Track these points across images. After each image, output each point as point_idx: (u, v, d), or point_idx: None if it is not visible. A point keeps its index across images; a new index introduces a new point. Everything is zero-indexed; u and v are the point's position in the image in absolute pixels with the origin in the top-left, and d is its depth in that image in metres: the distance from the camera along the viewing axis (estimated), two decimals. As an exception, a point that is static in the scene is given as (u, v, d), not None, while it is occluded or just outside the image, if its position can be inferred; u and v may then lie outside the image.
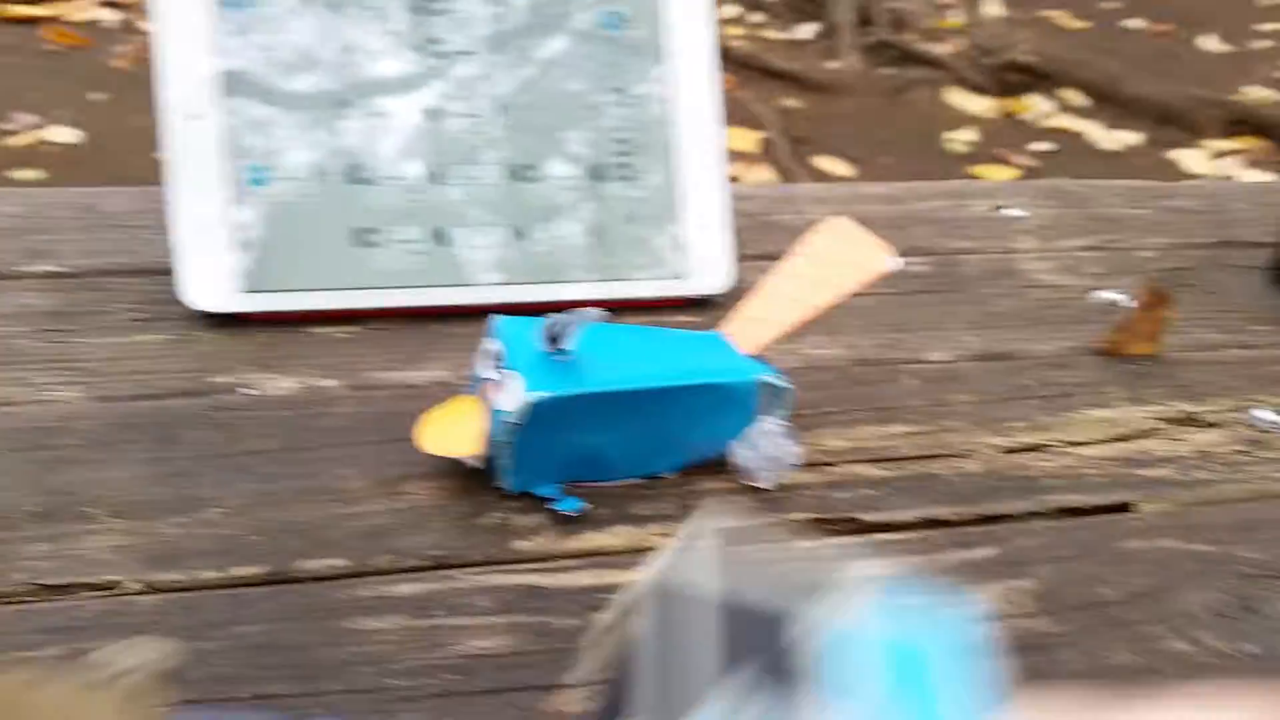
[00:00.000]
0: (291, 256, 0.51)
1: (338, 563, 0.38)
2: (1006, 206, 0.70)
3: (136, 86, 2.17)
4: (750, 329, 0.44)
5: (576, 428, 0.40)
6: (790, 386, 0.43)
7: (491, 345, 0.41)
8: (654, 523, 0.41)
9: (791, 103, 2.52)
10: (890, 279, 0.60)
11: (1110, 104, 2.70)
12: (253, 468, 0.42)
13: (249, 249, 0.50)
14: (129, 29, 2.43)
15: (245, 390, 0.46)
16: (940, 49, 2.94)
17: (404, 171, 0.53)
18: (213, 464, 0.42)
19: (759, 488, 0.42)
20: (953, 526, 0.42)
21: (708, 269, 0.56)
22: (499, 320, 0.42)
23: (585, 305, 0.40)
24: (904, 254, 0.62)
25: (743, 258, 0.60)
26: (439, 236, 0.53)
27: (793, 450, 0.42)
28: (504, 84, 0.54)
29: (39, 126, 2.02)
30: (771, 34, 2.99)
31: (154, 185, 0.64)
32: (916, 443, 0.46)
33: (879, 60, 2.91)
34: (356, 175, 0.52)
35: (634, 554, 0.39)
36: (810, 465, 0.44)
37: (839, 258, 0.45)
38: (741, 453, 0.42)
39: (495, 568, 0.38)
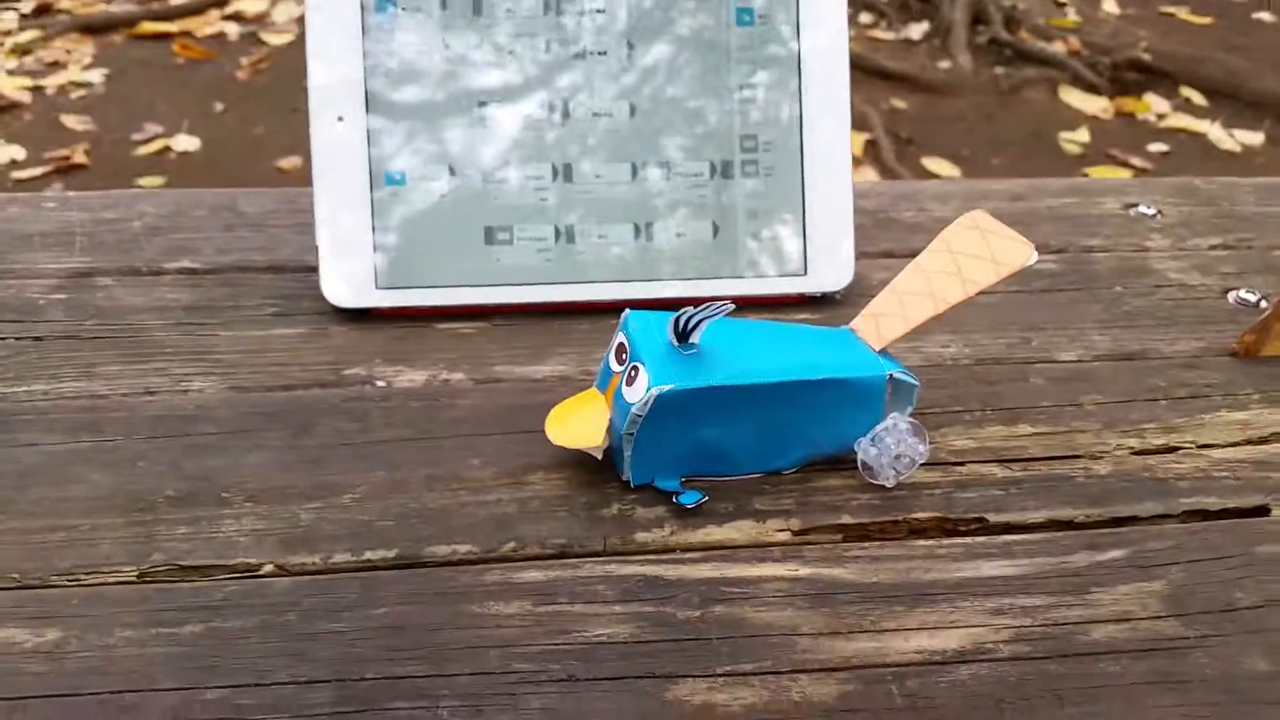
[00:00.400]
0: (424, 254, 0.52)
1: (465, 548, 0.38)
2: (1136, 204, 0.68)
3: (255, 97, 2.25)
4: (879, 324, 0.44)
5: (700, 421, 0.40)
6: (917, 383, 0.43)
7: (620, 338, 0.42)
8: (774, 518, 0.41)
9: (900, 103, 2.49)
10: (1017, 276, 0.59)
11: (1232, 102, 2.60)
12: (383, 456, 0.43)
13: (384, 247, 0.52)
14: (252, 42, 2.51)
15: (376, 382, 0.48)
16: (1055, 47, 2.87)
17: (534, 170, 0.53)
18: (345, 452, 0.43)
19: (882, 485, 0.42)
20: (1081, 528, 0.41)
21: (829, 266, 0.55)
22: (629, 314, 0.42)
23: (711, 300, 0.40)
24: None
25: (861, 255, 0.60)
26: (566, 234, 0.54)
27: (919, 448, 0.41)
28: (632, 81, 0.54)
29: (165, 135, 2.11)
30: (881, 34, 2.95)
31: (290, 187, 0.67)
32: (1045, 443, 0.45)
33: (991, 59, 2.85)
34: (490, 176, 0.53)
35: (754, 549, 0.39)
36: (935, 464, 0.44)
37: (976, 252, 0.44)
38: (866, 449, 0.41)
39: (617, 558, 0.38)
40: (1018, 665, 0.35)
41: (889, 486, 0.42)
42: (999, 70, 2.81)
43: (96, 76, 2.35)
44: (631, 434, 0.40)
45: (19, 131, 2.13)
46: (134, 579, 0.37)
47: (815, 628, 0.36)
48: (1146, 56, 2.82)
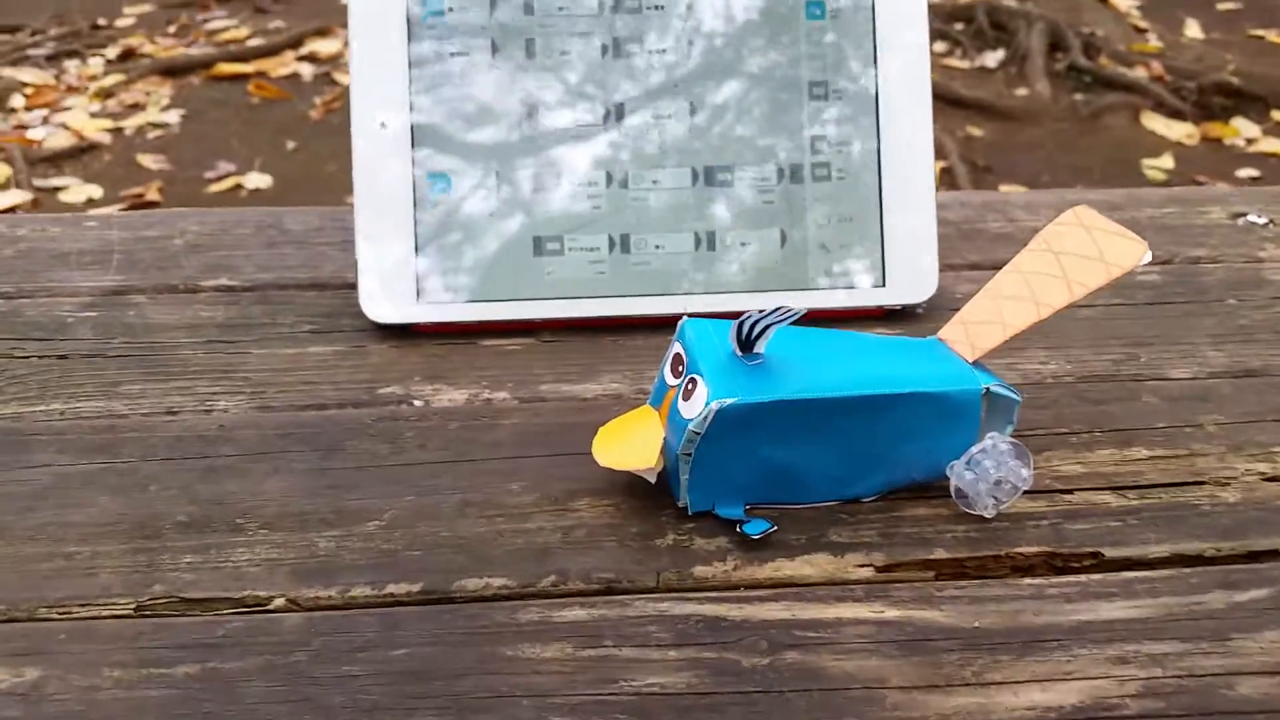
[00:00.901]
0: (469, 266, 0.48)
1: (500, 583, 0.34)
2: (1244, 214, 0.62)
3: (327, 135, 2.26)
4: (972, 333, 0.38)
5: (766, 440, 0.35)
6: (1018, 398, 0.37)
7: (676, 348, 0.37)
8: (854, 551, 0.35)
9: (976, 131, 2.42)
10: (1118, 288, 0.53)
11: (1327, 126, 2.50)
12: (415, 480, 0.39)
13: (427, 259, 0.48)
14: (325, 82, 2.53)
15: (413, 402, 0.44)
16: (1136, 73, 2.79)
17: (588, 177, 0.49)
18: (374, 475, 0.39)
19: (979, 516, 0.37)
20: (1214, 564, 0.35)
21: (910, 276, 0.50)
22: (686, 321, 0.38)
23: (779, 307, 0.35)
24: (1133, 263, 0.56)
25: (945, 267, 0.54)
26: (621, 244, 0.49)
27: (1022, 473, 0.36)
28: (695, 80, 0.50)
29: (237, 173, 2.12)
30: (956, 62, 2.89)
31: (340, 206, 0.64)
32: (1164, 468, 0.40)
33: (1070, 86, 2.78)
34: (539, 181, 0.49)
35: (831, 586, 0.34)
36: (1039, 492, 0.38)
37: (1083, 251, 0.39)
38: (961, 474, 0.36)
39: (672, 595, 0.33)
40: (1150, 726, 0.29)
41: (987, 517, 0.37)
42: (1078, 97, 2.73)
43: (173, 117, 2.38)
44: (689, 454, 0.35)
45: (98, 171, 2.16)
46: (130, 612, 0.33)
47: (907, 679, 0.31)
48: (1234, 80, 2.72)
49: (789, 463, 0.36)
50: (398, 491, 0.38)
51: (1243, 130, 2.48)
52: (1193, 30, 3.07)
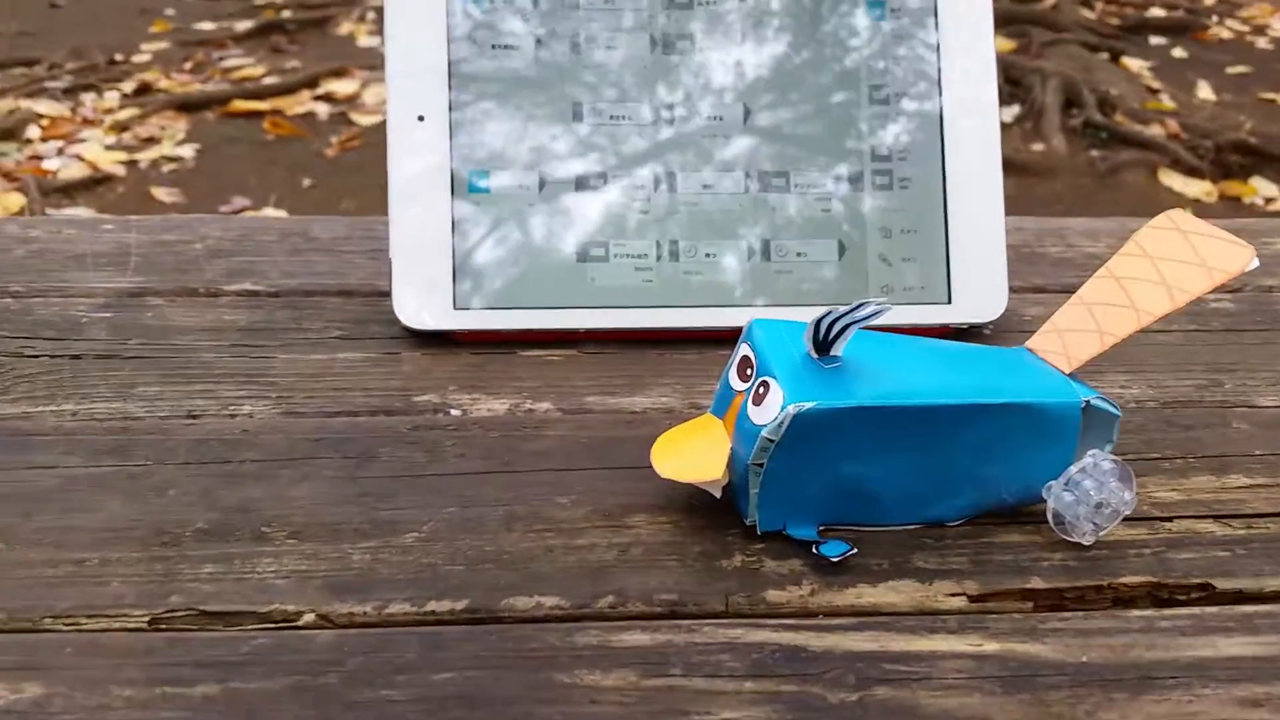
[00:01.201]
0: (509, 272, 0.45)
1: (552, 602, 0.31)
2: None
3: (342, 173, 2.25)
4: (1066, 342, 0.35)
5: (845, 452, 0.32)
6: (1119, 413, 0.34)
7: (744, 350, 0.34)
8: (943, 579, 0.32)
9: (996, 186, 2.40)
10: (1191, 314, 0.50)
11: (1346, 186, 2.48)
12: (455, 490, 0.35)
13: (465, 263, 0.45)
14: (342, 121, 2.53)
15: (450, 410, 0.41)
16: (1153, 130, 2.78)
17: (636, 179, 0.47)
18: (411, 485, 0.36)
19: (1077, 543, 0.33)
20: (1339, 601, 0.32)
21: (978, 293, 0.47)
22: (755, 321, 0.35)
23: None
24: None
25: (1009, 289, 0.52)
26: (669, 251, 0.46)
27: (1125, 496, 0.33)
28: (750, 79, 0.48)
29: (252, 208, 2.10)
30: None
31: (369, 216, 0.61)
32: (1268, 496, 0.36)
33: (1086, 143, 2.77)
34: (584, 184, 0.46)
35: (921, 616, 0.31)
36: (1137, 519, 0.35)
37: (1181, 256, 0.36)
38: (1059, 496, 0.33)
39: (744, 621, 0.30)
40: (1295, 777, 0.26)
41: (1086, 544, 0.33)
42: (1095, 153, 2.72)
43: (188, 151, 2.37)
44: (760, 465, 0.32)
45: (111, 203, 2.14)
46: (143, 625, 0.29)
47: (1012, 717, 0.27)
48: (1251, 139, 2.71)
49: (868, 478, 0.33)
50: (437, 502, 0.35)
51: (1261, 189, 2.46)
52: (1204, 92, 3.07)
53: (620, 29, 0.47)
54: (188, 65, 2.93)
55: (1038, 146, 2.72)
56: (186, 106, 2.64)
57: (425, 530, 0.33)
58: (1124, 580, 0.32)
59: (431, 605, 0.30)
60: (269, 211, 2.10)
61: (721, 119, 0.47)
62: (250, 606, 0.30)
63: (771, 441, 0.32)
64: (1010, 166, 2.56)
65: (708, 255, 0.47)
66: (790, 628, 0.30)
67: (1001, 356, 0.36)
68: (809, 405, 0.31)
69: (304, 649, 0.29)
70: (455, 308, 0.45)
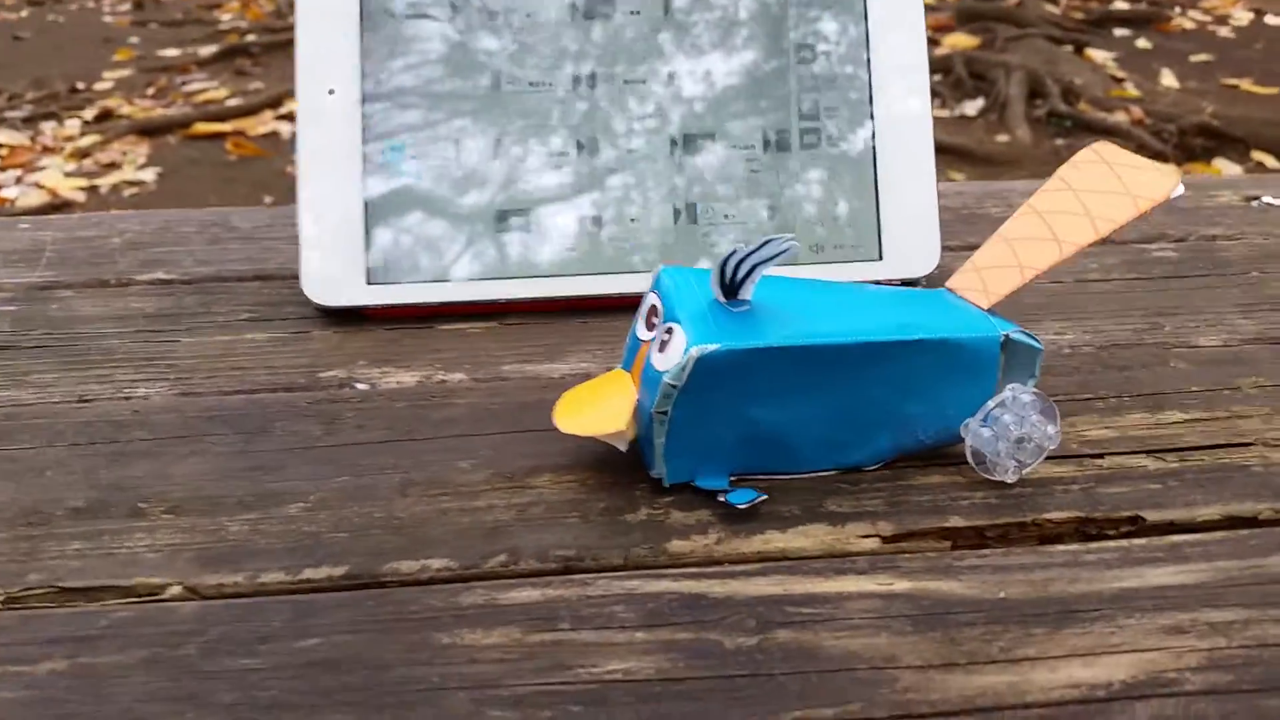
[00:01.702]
0: (425, 244, 0.44)
1: (440, 564, 0.29)
2: (1259, 196, 0.58)
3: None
4: (986, 279, 0.34)
5: (754, 397, 0.31)
6: (1040, 346, 0.33)
7: (651, 299, 0.32)
8: (857, 521, 0.30)
9: (957, 175, 2.40)
10: (1132, 263, 0.49)
11: (1309, 165, 2.49)
12: (349, 460, 0.34)
13: (378, 235, 0.43)
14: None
15: (357, 385, 0.39)
16: (1116, 118, 2.79)
17: (556, 146, 0.45)
18: (303, 457, 0.34)
19: (1000, 482, 0.32)
20: (1271, 525, 0.30)
21: (910, 249, 0.46)
22: (663, 269, 0.33)
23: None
24: (1146, 241, 0.52)
25: (944, 248, 0.50)
26: (593, 219, 0.45)
27: (1048, 430, 0.31)
28: (672, 40, 0.46)
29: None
30: (936, 111, 2.88)
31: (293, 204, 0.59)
32: (1204, 430, 0.35)
33: (1051, 132, 2.77)
34: (503, 152, 0.45)
35: (831, 559, 0.29)
36: (1064, 457, 0.33)
37: (1105, 187, 0.35)
38: (977, 432, 0.31)
39: (644, 572, 0.28)
40: (1219, 701, 0.24)
41: (1009, 482, 0.32)
42: (1059, 141, 2.72)
43: (149, 175, 2.35)
44: (664, 413, 0.30)
45: (71, 229, 2.11)
46: (-2, 606, 0.28)
47: (922, 658, 0.25)
48: (1214, 122, 2.72)
49: (780, 424, 0.31)
50: (328, 473, 0.33)
51: (1225, 170, 2.46)
52: (1168, 80, 3.08)
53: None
54: (150, 91, 2.91)
55: (1002, 138, 2.71)
56: (148, 131, 2.62)
57: (312, 500, 0.32)
58: (1049, 516, 0.30)
59: (308, 573, 0.29)
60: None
61: (644, 82, 0.46)
62: (113, 581, 0.28)
63: (674, 387, 0.30)
64: (975, 158, 2.56)
65: (632, 221, 0.45)
66: (692, 576, 0.28)
67: (919, 297, 0.34)
68: (712, 347, 0.30)
69: (164, 621, 0.27)
70: (368, 283, 0.43)
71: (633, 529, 0.30)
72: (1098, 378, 0.38)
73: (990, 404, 0.31)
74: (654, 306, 0.32)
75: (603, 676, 0.25)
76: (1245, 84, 3.02)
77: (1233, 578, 0.28)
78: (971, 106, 2.92)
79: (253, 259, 0.50)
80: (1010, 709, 0.24)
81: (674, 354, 0.30)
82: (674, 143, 0.45)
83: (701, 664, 0.25)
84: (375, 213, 0.44)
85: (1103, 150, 0.36)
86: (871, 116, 0.46)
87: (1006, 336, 0.32)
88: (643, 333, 0.32)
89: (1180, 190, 0.35)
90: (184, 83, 2.97)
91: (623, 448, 0.32)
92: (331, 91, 0.44)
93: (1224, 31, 3.56)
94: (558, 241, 0.44)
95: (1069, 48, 3.37)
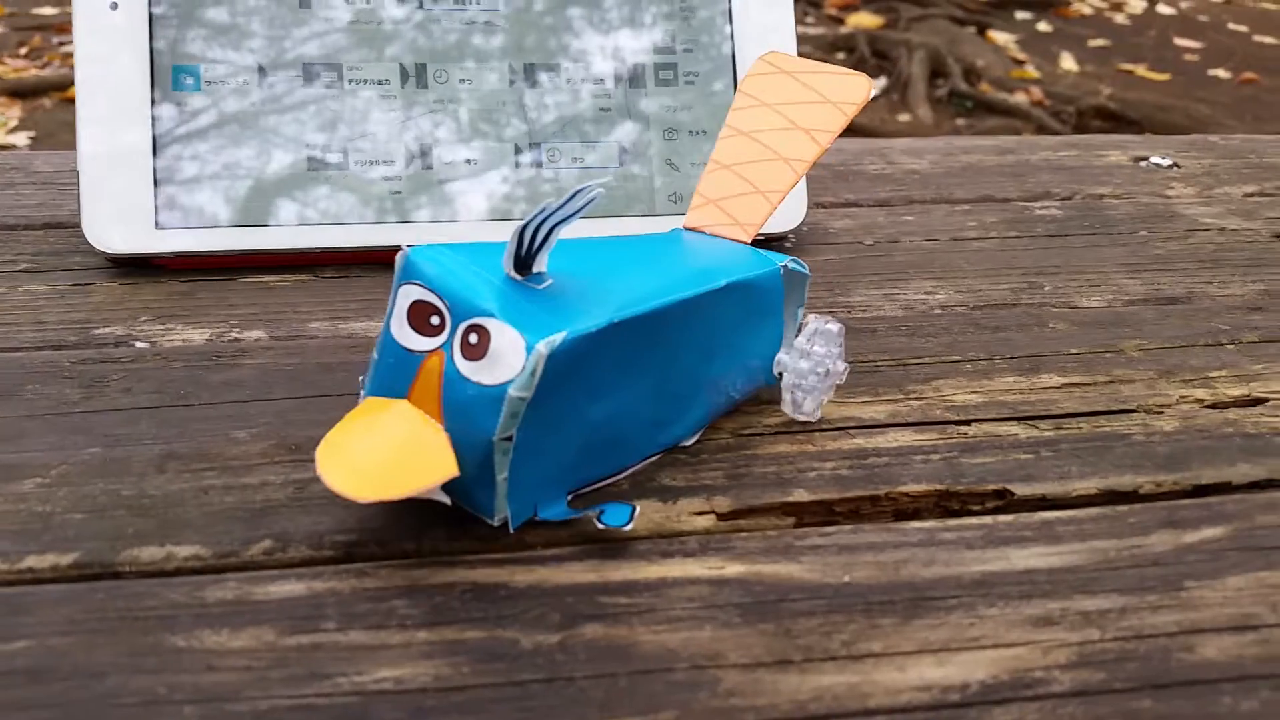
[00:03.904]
0: (225, 184, 0.38)
1: (188, 552, 0.24)
2: (1147, 157, 0.56)
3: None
4: (733, 210, 0.31)
5: (591, 391, 0.25)
6: (809, 272, 0.30)
7: (414, 294, 0.25)
8: (689, 497, 0.26)
9: (861, 153, 2.39)
10: (1012, 221, 0.46)
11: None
12: (106, 429, 0.29)
13: (169, 174, 0.38)
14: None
15: (135, 343, 0.34)
16: (1016, 99, 2.82)
17: (378, 74, 0.40)
18: (51, 425, 0.29)
19: (851, 452, 0.28)
20: (1153, 500, 0.27)
21: (772, 196, 0.42)
22: (412, 253, 0.25)
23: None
24: (1029, 199, 0.49)
25: (815, 205, 0.47)
26: (420, 158, 0.40)
27: (840, 365, 0.28)
28: (497, -42, 0.41)
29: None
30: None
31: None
32: (1082, 396, 0.32)
33: (952, 112, 2.79)
34: (314, 78, 0.39)
35: (656, 540, 0.25)
36: (926, 424, 0.30)
37: (801, 98, 0.33)
38: (795, 368, 0.28)
39: (436, 559, 0.24)
40: (1089, 703, 0.21)
41: (814, 421, 0.28)
42: (960, 121, 2.74)
43: (22, 139, 2.22)
44: (509, 438, 0.24)
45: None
46: None
47: (751, 655, 0.22)
48: (1111, 104, 2.77)
49: (613, 417, 0.26)
50: (78, 443, 0.28)
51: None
52: (1067, 63, 3.13)
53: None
54: (23, 50, 2.76)
55: (904, 117, 2.72)
56: (20, 93, 2.48)
57: (52, 475, 0.27)
58: (906, 489, 0.27)
59: (30, 561, 0.24)
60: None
61: (481, 4, 0.41)
62: None
63: (523, 400, 0.23)
64: (876, 136, 2.56)
65: (468, 163, 0.40)
66: (492, 563, 0.24)
67: (672, 241, 0.30)
68: (559, 338, 0.23)
69: None
70: (157, 228, 0.38)
71: (432, 511, 0.26)
72: (968, 339, 0.35)
73: (800, 337, 0.29)
74: (423, 303, 0.24)
75: (366, 686, 0.21)
76: (1140, 69, 3.08)
77: (1109, 560, 0.25)
78: (874, 86, 2.92)
79: (47, 205, 0.44)
80: (849, 716, 0.20)
81: (506, 358, 0.23)
82: (514, 73, 0.41)
83: (490, 668, 0.21)
84: (165, 147, 0.38)
85: (777, 60, 0.34)
86: (733, 53, 0.42)
87: (784, 267, 0.29)
88: (414, 341, 0.24)
89: (873, 90, 0.33)
90: (61, 43, 2.82)
91: (447, 500, 0.25)
92: (115, 5, 0.39)
93: (1120, 18, 3.63)
94: (382, 183, 0.40)
95: (972, 29, 3.40)
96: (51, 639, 0.21)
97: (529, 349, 0.23)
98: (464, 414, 0.23)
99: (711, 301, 0.27)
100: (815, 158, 0.32)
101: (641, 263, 0.28)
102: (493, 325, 0.23)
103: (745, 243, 0.30)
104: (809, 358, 0.28)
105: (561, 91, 0.41)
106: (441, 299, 0.24)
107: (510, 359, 0.23)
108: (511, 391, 0.23)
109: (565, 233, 0.25)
